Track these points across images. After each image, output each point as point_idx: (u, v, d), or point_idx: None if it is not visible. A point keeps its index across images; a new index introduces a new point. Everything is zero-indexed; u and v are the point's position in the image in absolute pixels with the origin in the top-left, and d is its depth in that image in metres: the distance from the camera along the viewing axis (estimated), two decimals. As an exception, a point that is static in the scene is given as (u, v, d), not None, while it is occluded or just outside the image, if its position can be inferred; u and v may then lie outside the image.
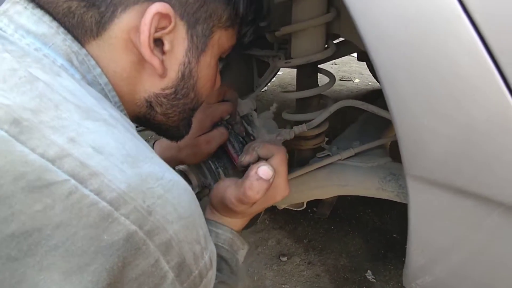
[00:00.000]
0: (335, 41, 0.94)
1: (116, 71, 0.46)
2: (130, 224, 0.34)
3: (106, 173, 0.34)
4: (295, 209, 1.12)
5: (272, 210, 1.57)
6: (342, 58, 1.54)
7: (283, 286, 1.28)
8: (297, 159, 1.02)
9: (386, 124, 0.98)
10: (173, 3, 0.45)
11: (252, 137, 0.79)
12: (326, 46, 0.87)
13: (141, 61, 0.46)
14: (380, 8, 0.43)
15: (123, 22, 0.44)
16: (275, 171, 0.59)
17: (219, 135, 0.73)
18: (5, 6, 0.43)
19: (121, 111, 0.48)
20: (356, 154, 0.88)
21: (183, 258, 0.39)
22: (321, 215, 1.57)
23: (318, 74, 0.95)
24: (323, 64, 1.15)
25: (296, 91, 0.93)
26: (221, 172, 0.77)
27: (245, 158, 0.64)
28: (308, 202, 1.05)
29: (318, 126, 0.88)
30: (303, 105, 0.93)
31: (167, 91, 0.51)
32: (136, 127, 0.53)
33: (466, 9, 0.38)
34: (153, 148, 0.74)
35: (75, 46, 0.43)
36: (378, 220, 1.55)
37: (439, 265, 0.49)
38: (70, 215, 0.31)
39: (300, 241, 1.46)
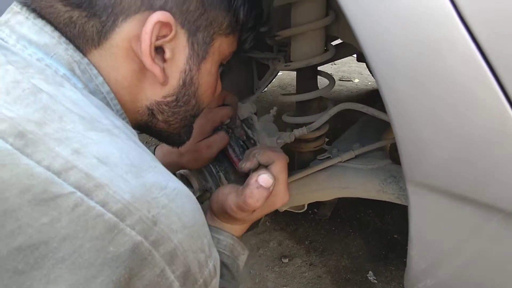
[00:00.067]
0: (334, 42, 0.95)
1: (118, 80, 0.46)
2: (135, 235, 0.34)
3: (111, 184, 0.34)
4: (296, 211, 1.12)
5: (273, 212, 1.57)
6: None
7: None
8: (298, 161, 1.02)
9: (386, 126, 0.98)
10: (174, 12, 0.45)
11: (252, 141, 0.80)
12: (325, 48, 0.87)
13: (142, 69, 0.47)
14: (378, 15, 0.43)
15: (124, 31, 0.44)
16: (275, 178, 0.60)
17: (219, 139, 0.74)
18: (6, 16, 0.43)
19: (123, 119, 0.48)
20: (356, 156, 0.88)
21: (188, 267, 0.39)
22: (322, 216, 1.58)
23: (318, 75, 0.96)
24: (323, 65, 1.15)
25: (296, 93, 0.93)
26: (222, 176, 0.78)
27: (246, 165, 0.64)
28: (309, 203, 1.05)
29: (318, 128, 0.88)
30: (303, 108, 0.93)
31: (168, 99, 0.51)
32: (138, 133, 0.53)
33: (461, 15, 0.38)
34: (154, 153, 0.75)
35: (77, 55, 0.43)
36: (379, 221, 1.55)
37: (441, 269, 0.49)
38: (76, 228, 0.32)
39: (301, 242, 1.46)
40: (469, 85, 0.40)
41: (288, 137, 0.85)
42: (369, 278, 1.30)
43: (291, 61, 0.86)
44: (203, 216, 0.43)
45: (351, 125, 1.07)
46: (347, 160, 0.88)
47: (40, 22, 0.42)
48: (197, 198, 0.83)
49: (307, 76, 0.92)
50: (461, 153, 0.42)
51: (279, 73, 2.88)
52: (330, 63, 3.25)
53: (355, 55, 2.27)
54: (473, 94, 0.40)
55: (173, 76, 0.49)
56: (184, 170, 0.80)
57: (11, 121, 0.33)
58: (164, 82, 0.49)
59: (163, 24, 0.44)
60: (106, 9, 0.43)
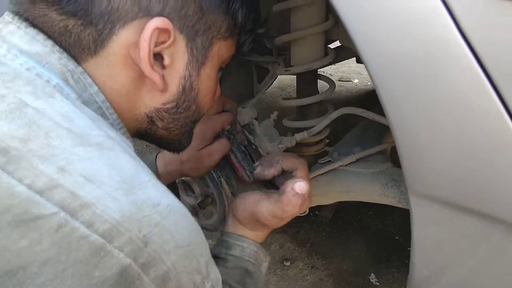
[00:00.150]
0: (334, 44, 0.95)
1: (114, 88, 0.45)
2: (124, 257, 0.32)
3: (98, 203, 0.32)
4: (298, 214, 1.12)
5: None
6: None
7: (287, 291, 1.28)
8: (299, 165, 1.02)
9: (386, 129, 0.98)
10: (172, 17, 0.44)
11: (254, 146, 0.80)
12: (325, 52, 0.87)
13: (141, 76, 0.46)
14: (375, 23, 0.43)
15: (121, 39, 0.43)
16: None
17: (221, 147, 0.73)
18: None
19: (120, 128, 0.47)
20: (357, 160, 0.88)
21: None
22: (323, 218, 1.58)
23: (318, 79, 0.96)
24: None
25: (297, 98, 0.93)
26: (223, 181, 0.78)
27: (270, 171, 0.63)
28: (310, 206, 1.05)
29: (319, 132, 0.88)
30: (303, 112, 0.93)
31: (168, 105, 0.50)
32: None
33: (459, 26, 0.38)
34: (155, 160, 0.75)
35: (71, 64, 0.42)
36: (380, 223, 1.55)
37: (444, 278, 0.49)
38: (59, 250, 0.30)
39: (303, 245, 1.46)
40: (471, 101, 0.40)
41: (289, 141, 0.85)
42: (371, 280, 1.29)
43: (291, 66, 0.86)
44: (200, 233, 0.42)
45: (352, 128, 1.07)
46: (348, 164, 0.88)
47: (32, 31, 0.41)
48: (199, 203, 0.83)
49: (307, 80, 0.92)
50: (460, 164, 0.42)
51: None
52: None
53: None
54: (475, 111, 0.40)
55: (172, 83, 0.49)
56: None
57: None
58: (164, 89, 0.48)
59: (161, 30, 0.43)
60: (103, 16, 0.42)
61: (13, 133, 0.33)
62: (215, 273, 0.45)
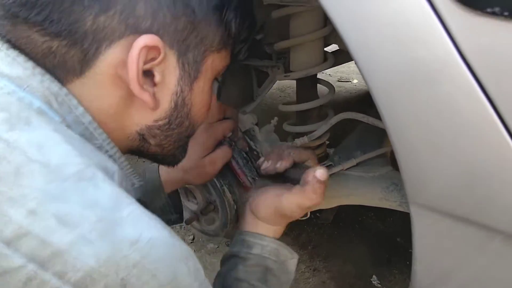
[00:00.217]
0: (332, 48, 0.95)
1: (102, 108, 0.44)
2: None
3: (71, 249, 0.31)
4: (299, 218, 1.12)
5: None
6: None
7: (289, 294, 1.28)
8: (299, 169, 1.02)
9: (386, 132, 0.99)
10: (161, 33, 0.42)
11: (255, 152, 0.80)
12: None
13: (130, 95, 0.44)
14: (374, 41, 0.43)
15: (108, 58, 0.41)
16: None
17: (223, 154, 0.74)
18: None
19: (112, 147, 0.45)
20: (357, 164, 0.89)
21: None
22: (325, 220, 1.58)
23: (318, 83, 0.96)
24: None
25: (296, 103, 0.93)
26: (225, 189, 0.78)
27: (282, 164, 0.64)
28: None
29: (319, 137, 0.88)
30: (303, 117, 0.93)
31: (160, 122, 0.49)
32: None
33: (457, 45, 0.38)
34: (158, 170, 0.75)
35: (55, 86, 0.40)
36: (381, 224, 1.55)
37: (445, 285, 0.49)
38: None
39: (304, 247, 1.46)
40: (469, 117, 0.40)
41: (289, 147, 0.85)
42: (373, 282, 1.30)
43: (291, 71, 0.87)
44: (189, 259, 0.39)
45: (352, 130, 1.07)
46: (349, 168, 0.89)
47: (13, 53, 0.39)
48: (201, 210, 0.84)
49: (307, 85, 0.92)
50: (461, 180, 0.43)
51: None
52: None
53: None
54: (473, 127, 0.40)
55: (164, 100, 0.47)
56: (188, 184, 0.80)
57: None
58: (155, 107, 0.46)
59: (150, 48, 0.41)
60: (87, 36, 0.40)
61: None
62: None
